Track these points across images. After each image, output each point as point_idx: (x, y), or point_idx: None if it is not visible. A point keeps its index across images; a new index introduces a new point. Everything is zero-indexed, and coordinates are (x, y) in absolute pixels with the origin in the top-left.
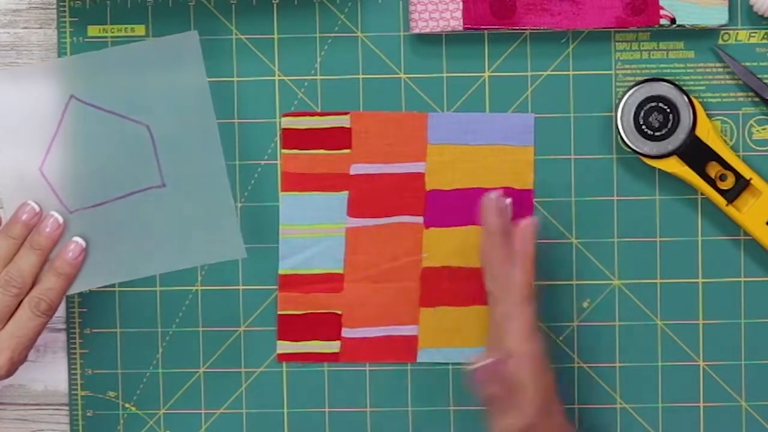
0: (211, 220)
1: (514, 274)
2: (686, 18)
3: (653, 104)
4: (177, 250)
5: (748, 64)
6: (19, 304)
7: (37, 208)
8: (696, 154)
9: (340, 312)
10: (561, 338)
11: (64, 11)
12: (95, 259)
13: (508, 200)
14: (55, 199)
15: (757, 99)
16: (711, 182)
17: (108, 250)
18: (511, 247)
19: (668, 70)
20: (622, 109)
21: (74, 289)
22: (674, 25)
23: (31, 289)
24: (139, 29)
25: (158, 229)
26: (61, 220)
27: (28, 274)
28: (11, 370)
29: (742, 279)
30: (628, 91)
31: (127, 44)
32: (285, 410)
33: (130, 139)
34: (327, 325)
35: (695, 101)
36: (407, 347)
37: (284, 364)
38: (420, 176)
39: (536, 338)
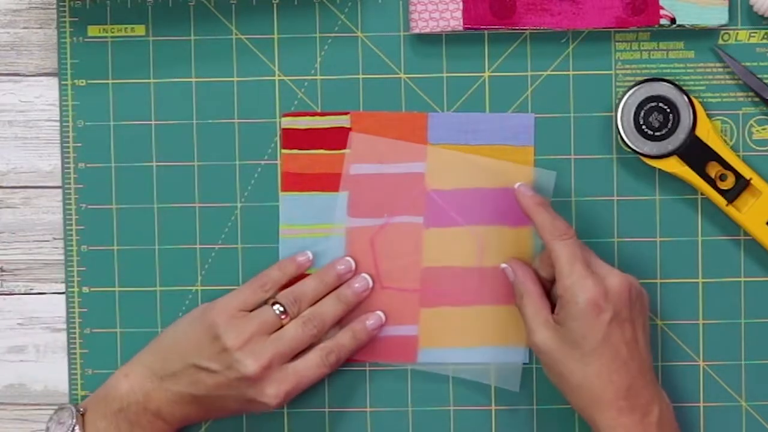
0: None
1: (541, 221)
2: (686, 18)
3: (653, 104)
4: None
5: (748, 64)
6: (310, 347)
7: (353, 265)
8: (696, 154)
9: None
10: None
11: (64, 11)
12: None
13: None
14: (373, 269)
15: (757, 99)
16: (711, 182)
17: None
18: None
19: (668, 70)
20: (622, 109)
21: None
22: (674, 25)
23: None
24: (139, 29)
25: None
26: (371, 283)
27: (329, 320)
28: (282, 404)
29: (742, 279)
30: (628, 91)
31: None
32: (285, 410)
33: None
34: None
35: (695, 101)
36: (407, 347)
37: None
38: (420, 176)
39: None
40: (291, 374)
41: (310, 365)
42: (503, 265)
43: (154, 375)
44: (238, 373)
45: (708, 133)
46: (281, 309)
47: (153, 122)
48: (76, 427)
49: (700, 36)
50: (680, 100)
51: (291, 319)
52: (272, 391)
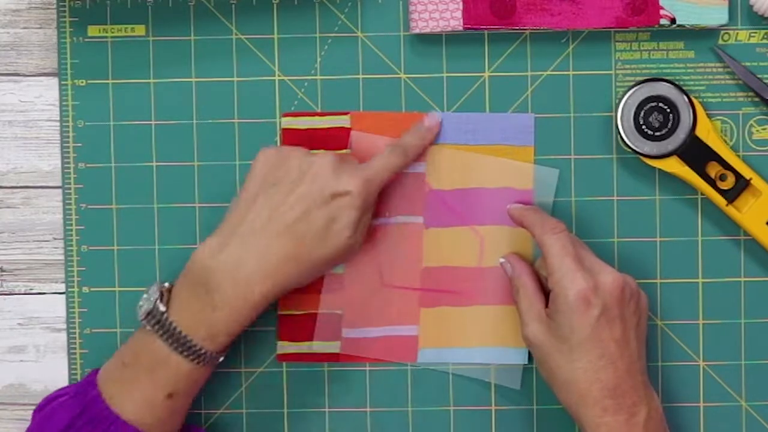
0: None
1: (532, 221)
2: (686, 18)
3: (653, 104)
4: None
5: (748, 64)
6: None
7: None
8: (696, 154)
9: (340, 312)
10: None
11: (64, 11)
12: None
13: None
14: (374, 269)
15: (757, 99)
16: (711, 182)
17: None
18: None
19: (668, 70)
20: (622, 109)
21: None
22: (674, 25)
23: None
24: (139, 29)
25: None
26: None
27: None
28: (362, 192)
29: (742, 279)
30: (628, 91)
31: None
32: (285, 410)
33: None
34: (327, 325)
35: (695, 101)
36: (407, 347)
37: (284, 364)
38: (420, 176)
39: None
40: (365, 165)
41: (382, 154)
42: (501, 260)
43: (231, 231)
44: (312, 171)
45: (708, 133)
46: None
47: (153, 122)
48: (158, 301)
49: (700, 36)
50: (680, 100)
51: None
52: (348, 178)
